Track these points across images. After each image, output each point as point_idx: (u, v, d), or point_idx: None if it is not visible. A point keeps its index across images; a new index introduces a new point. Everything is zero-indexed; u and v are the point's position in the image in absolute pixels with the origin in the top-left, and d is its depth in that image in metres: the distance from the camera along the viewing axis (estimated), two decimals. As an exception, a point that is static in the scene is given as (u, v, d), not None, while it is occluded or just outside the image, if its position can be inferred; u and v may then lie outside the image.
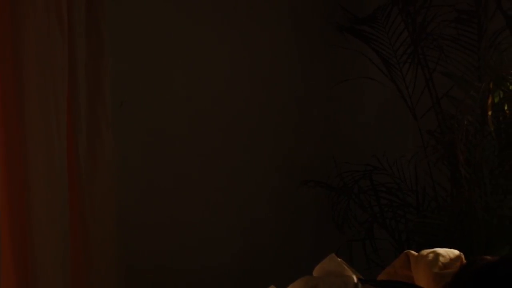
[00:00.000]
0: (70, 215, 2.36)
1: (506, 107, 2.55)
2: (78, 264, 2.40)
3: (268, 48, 3.06)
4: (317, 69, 3.19)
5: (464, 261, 1.85)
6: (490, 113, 2.46)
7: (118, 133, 2.56)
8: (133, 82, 2.73)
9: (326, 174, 3.04)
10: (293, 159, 3.11)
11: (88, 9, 2.40)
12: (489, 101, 2.43)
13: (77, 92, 2.37)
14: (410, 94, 3.09)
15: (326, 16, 3.19)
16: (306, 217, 3.14)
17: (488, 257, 1.42)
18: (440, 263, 1.79)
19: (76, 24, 2.35)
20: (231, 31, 2.96)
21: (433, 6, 2.99)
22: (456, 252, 1.89)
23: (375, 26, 3.12)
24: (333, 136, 3.23)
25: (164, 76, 2.82)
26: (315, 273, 1.57)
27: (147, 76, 2.77)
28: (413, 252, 1.90)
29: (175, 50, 2.84)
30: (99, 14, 2.42)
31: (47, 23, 2.28)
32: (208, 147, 2.90)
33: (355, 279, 1.44)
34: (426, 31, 3.01)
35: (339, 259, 1.55)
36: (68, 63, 2.34)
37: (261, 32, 3.04)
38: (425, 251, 1.86)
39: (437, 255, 1.82)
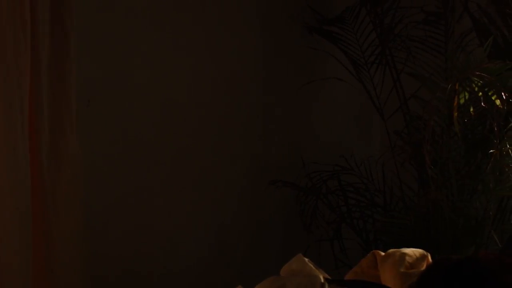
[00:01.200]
0: (33, 217, 2.33)
1: (471, 108, 2.57)
2: (41, 268, 2.37)
3: (236, 48, 3.06)
4: (285, 69, 3.20)
5: (430, 260, 1.86)
6: (456, 114, 2.47)
7: (84, 134, 2.54)
8: (100, 82, 2.71)
9: (294, 174, 3.04)
10: (261, 159, 3.11)
11: (53, 7, 2.37)
12: (456, 102, 2.44)
13: (40, 91, 2.34)
14: (378, 95, 3.11)
15: (294, 17, 3.20)
16: (274, 217, 3.14)
17: (454, 257, 1.43)
18: (406, 263, 1.80)
19: (40, 23, 2.33)
20: (198, 31, 2.95)
21: (401, 7, 3.01)
22: (423, 252, 1.90)
23: (344, 27, 3.13)
24: (301, 137, 3.24)
25: (130, 76, 2.80)
26: (282, 273, 1.57)
27: (113, 76, 2.75)
28: (380, 251, 1.90)
29: (141, 50, 2.82)
30: (64, 12, 2.39)
31: (10, 22, 2.25)
32: (175, 148, 2.89)
33: (322, 279, 1.44)
34: (394, 32, 3.03)
35: (306, 259, 1.55)
36: (32, 63, 2.31)
37: (228, 32, 3.03)
38: (391, 251, 1.86)
39: (404, 254, 1.83)
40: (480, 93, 2.46)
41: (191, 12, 2.93)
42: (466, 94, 2.53)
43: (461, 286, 1.34)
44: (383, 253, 1.88)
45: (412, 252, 1.88)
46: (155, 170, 2.84)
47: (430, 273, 1.41)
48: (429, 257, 1.89)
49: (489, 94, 2.47)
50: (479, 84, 2.46)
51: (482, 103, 2.46)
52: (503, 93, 2.41)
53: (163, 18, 2.86)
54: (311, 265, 1.51)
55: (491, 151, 2.59)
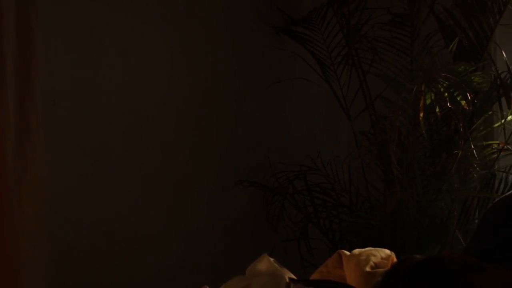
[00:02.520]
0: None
1: (437, 109, 2.59)
2: (6, 268, 2.34)
3: (203, 49, 3.05)
4: (252, 69, 3.20)
5: (395, 260, 1.87)
6: (422, 114, 2.49)
7: (50, 134, 2.52)
8: (67, 81, 2.69)
9: (261, 174, 3.05)
10: (228, 159, 3.11)
11: (18, 6, 2.35)
12: (421, 102, 2.46)
13: (5, 90, 2.32)
14: (344, 95, 3.12)
15: (262, 17, 3.20)
16: (240, 217, 3.14)
17: (418, 256, 1.44)
18: (371, 263, 1.80)
19: (5, 22, 2.30)
20: (166, 32, 2.94)
21: (367, 8, 3.02)
22: (388, 251, 1.90)
23: (311, 27, 3.14)
24: (268, 137, 3.24)
25: (98, 75, 2.78)
26: (247, 273, 1.57)
27: (80, 77, 2.73)
28: (345, 251, 1.91)
29: (110, 51, 2.80)
30: (30, 11, 2.37)
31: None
32: (142, 147, 2.87)
33: (287, 279, 1.44)
34: (361, 33, 3.04)
35: (271, 259, 1.55)
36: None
37: (196, 33, 3.03)
38: (357, 251, 1.87)
39: (369, 254, 1.83)
40: (446, 94, 2.48)
41: (158, 13, 2.91)
42: (432, 94, 2.55)
43: (425, 285, 1.34)
44: (348, 253, 1.89)
45: (377, 251, 1.89)
46: (123, 169, 2.83)
47: (394, 272, 1.42)
48: (394, 257, 1.90)
49: (455, 94, 2.49)
50: (444, 85, 2.48)
51: (448, 104, 2.47)
52: (468, 94, 2.43)
53: (132, 19, 2.85)
54: (276, 265, 1.51)
55: (456, 151, 2.61)
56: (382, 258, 1.86)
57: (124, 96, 2.83)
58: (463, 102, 2.45)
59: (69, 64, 2.69)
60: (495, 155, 2.72)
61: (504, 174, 2.80)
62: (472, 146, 2.62)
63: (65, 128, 2.69)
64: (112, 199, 2.80)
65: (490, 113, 2.75)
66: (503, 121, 2.64)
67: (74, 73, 2.71)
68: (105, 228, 2.77)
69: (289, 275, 1.50)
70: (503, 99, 2.62)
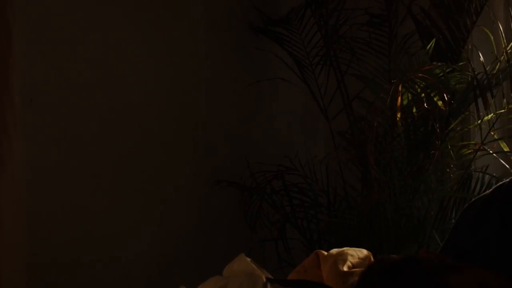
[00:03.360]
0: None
1: (414, 109, 2.60)
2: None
3: (180, 48, 3.04)
4: (230, 69, 3.20)
5: (372, 260, 1.88)
6: (399, 115, 2.50)
7: (28, 132, 2.51)
8: (45, 80, 2.68)
9: (239, 174, 3.05)
10: (206, 159, 3.11)
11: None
12: (399, 103, 2.47)
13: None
14: (322, 96, 3.12)
15: (240, 17, 3.20)
16: (218, 217, 3.14)
17: (394, 256, 1.44)
18: (349, 262, 1.81)
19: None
20: (142, 30, 2.94)
21: (345, 9, 3.03)
22: (365, 251, 1.91)
23: (289, 27, 3.14)
24: (246, 137, 3.24)
25: (77, 74, 2.77)
26: (225, 273, 1.57)
27: (58, 74, 2.72)
28: (323, 251, 1.91)
29: (89, 48, 2.79)
30: (7, 9, 2.36)
31: None
32: (119, 146, 2.87)
33: (264, 279, 1.45)
34: (339, 34, 3.05)
35: (248, 259, 1.55)
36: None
37: (173, 32, 3.02)
38: (334, 250, 1.87)
39: (346, 254, 1.84)
40: (423, 95, 2.49)
41: (134, 11, 2.90)
42: (409, 95, 2.56)
43: (401, 285, 1.35)
44: (326, 253, 1.89)
45: (355, 251, 1.89)
46: (100, 168, 2.82)
47: (370, 272, 1.42)
48: (372, 257, 1.91)
49: (432, 95, 2.50)
50: (421, 85, 2.49)
51: (425, 104, 2.49)
52: (445, 95, 2.44)
53: (108, 17, 2.84)
54: (254, 265, 1.51)
55: (433, 151, 2.62)
56: (359, 258, 1.86)
57: (102, 95, 2.82)
58: (440, 103, 2.46)
59: (47, 62, 2.68)
60: (472, 156, 2.74)
61: (481, 174, 2.82)
62: (449, 147, 2.64)
63: (43, 126, 2.67)
64: (90, 198, 2.79)
65: (466, 113, 2.77)
66: (479, 121, 2.66)
67: (51, 71, 2.70)
68: (83, 227, 2.76)
69: (266, 275, 1.50)
70: (479, 100, 2.63)
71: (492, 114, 2.65)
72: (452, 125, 2.68)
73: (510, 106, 2.67)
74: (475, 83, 2.63)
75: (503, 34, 2.66)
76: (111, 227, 2.83)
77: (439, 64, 2.55)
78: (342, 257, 1.82)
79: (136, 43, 2.92)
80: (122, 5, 2.87)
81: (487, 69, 2.64)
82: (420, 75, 2.47)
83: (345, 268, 1.77)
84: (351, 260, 1.82)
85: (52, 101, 2.70)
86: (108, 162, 2.84)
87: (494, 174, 2.81)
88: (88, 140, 2.79)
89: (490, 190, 1.54)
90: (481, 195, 1.57)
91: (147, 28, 2.94)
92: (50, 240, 2.68)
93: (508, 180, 1.50)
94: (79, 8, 2.76)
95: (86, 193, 2.78)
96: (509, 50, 2.63)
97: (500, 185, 1.51)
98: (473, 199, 1.59)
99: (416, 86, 2.50)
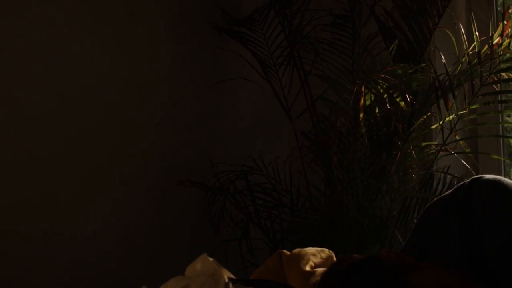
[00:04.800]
0: None
1: (377, 110, 2.61)
2: None
3: (142, 47, 3.03)
4: (194, 69, 3.19)
5: (335, 259, 1.88)
6: (362, 115, 2.51)
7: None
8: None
9: (202, 174, 3.04)
10: (169, 159, 3.10)
11: None
12: (361, 103, 2.48)
13: None
14: (285, 96, 3.13)
15: (203, 17, 3.19)
16: (182, 217, 3.13)
17: (356, 256, 1.45)
18: (311, 262, 1.82)
19: None
20: (103, 29, 2.92)
21: (309, 9, 3.04)
22: (327, 251, 1.92)
23: (253, 27, 3.14)
24: (210, 136, 3.23)
25: (31, 77, 2.74)
26: (187, 273, 1.56)
27: (7, 73, 2.69)
28: (285, 251, 1.92)
29: (43, 50, 2.77)
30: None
31: None
32: (81, 147, 2.84)
33: (226, 279, 1.44)
34: (302, 34, 3.06)
35: (210, 259, 1.55)
36: None
37: (136, 30, 3.01)
38: (297, 250, 1.88)
39: (308, 254, 1.84)
40: (385, 95, 2.50)
41: (95, 8, 2.88)
42: (372, 96, 2.57)
43: (362, 284, 1.36)
44: (288, 253, 1.90)
45: (317, 251, 1.90)
46: (60, 172, 2.79)
47: (332, 272, 1.43)
48: (334, 256, 1.92)
49: (394, 96, 2.52)
50: (384, 86, 2.50)
51: (387, 105, 2.50)
52: (407, 95, 2.46)
53: (66, 15, 2.82)
54: (216, 265, 1.51)
55: (395, 152, 2.64)
56: (321, 258, 1.87)
57: (61, 98, 2.80)
58: (402, 104, 2.48)
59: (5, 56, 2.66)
60: (434, 156, 2.76)
61: (442, 174, 2.84)
62: (411, 147, 2.65)
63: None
64: (51, 198, 2.76)
65: (428, 114, 2.79)
66: (441, 122, 2.68)
67: (5, 71, 2.67)
68: (44, 227, 2.74)
69: (228, 274, 1.50)
70: (441, 101, 2.65)
71: (453, 115, 2.67)
72: (414, 126, 2.69)
73: (471, 107, 2.69)
74: (437, 84, 2.65)
75: (464, 36, 2.68)
76: (72, 226, 2.81)
77: (402, 65, 2.57)
78: (305, 257, 1.82)
79: (95, 42, 2.90)
80: (82, 3, 2.85)
81: (448, 70, 2.66)
82: (382, 76, 2.48)
83: (308, 268, 1.78)
84: (313, 260, 1.83)
85: (3, 99, 2.67)
86: (68, 162, 2.82)
87: (456, 175, 2.84)
88: (50, 140, 2.77)
89: (451, 190, 1.55)
90: (442, 195, 1.58)
91: (106, 26, 2.92)
92: (10, 239, 2.65)
93: (468, 180, 1.51)
94: (33, 5, 2.74)
95: (47, 193, 2.76)
96: (471, 52, 2.65)
97: (461, 185, 1.52)
98: (434, 199, 1.61)
99: (379, 87, 2.51)
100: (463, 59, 2.68)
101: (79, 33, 2.85)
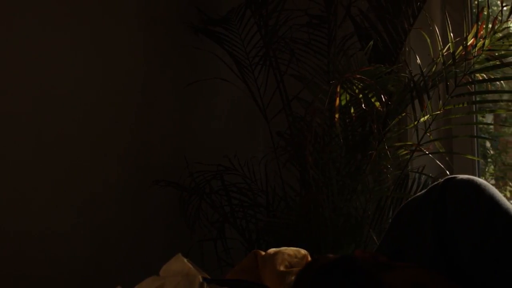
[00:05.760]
0: None
1: (352, 110, 2.62)
2: None
3: (117, 47, 3.02)
4: (169, 68, 3.18)
5: (310, 259, 1.89)
6: (337, 115, 2.51)
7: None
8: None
9: (178, 174, 3.03)
10: (144, 159, 3.09)
11: None
12: (337, 103, 2.48)
13: None
14: (261, 96, 3.13)
15: (180, 16, 3.19)
16: (157, 217, 3.12)
17: (331, 255, 1.46)
18: (286, 262, 1.82)
19: None
20: (76, 28, 2.90)
21: (285, 10, 3.04)
22: (302, 251, 1.92)
23: (229, 27, 3.14)
24: (185, 136, 3.23)
25: (6, 73, 2.73)
26: (161, 273, 1.56)
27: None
28: (261, 251, 1.92)
29: (16, 48, 2.75)
30: None
31: None
32: (54, 146, 2.83)
33: (201, 279, 1.44)
34: (278, 34, 3.06)
35: (185, 259, 1.55)
36: None
37: (110, 29, 2.99)
38: (272, 250, 1.88)
39: (284, 254, 1.85)
40: (361, 95, 2.51)
41: (69, 8, 2.87)
42: (347, 96, 2.58)
43: (336, 284, 1.36)
44: (263, 252, 1.90)
45: (292, 251, 1.90)
46: (33, 172, 2.78)
47: (306, 271, 1.43)
48: (309, 256, 1.92)
49: (369, 96, 2.53)
50: (359, 86, 2.51)
51: (363, 105, 2.50)
52: (382, 96, 2.47)
53: (38, 13, 2.80)
54: (190, 265, 1.51)
55: (371, 152, 2.65)
56: (296, 258, 1.87)
57: (37, 98, 2.78)
58: (377, 104, 2.49)
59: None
60: (408, 156, 2.77)
61: (417, 174, 2.86)
62: (386, 147, 2.66)
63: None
64: (24, 198, 2.74)
65: (403, 114, 2.80)
66: (416, 122, 2.69)
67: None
68: (17, 226, 2.72)
69: (203, 275, 1.50)
70: (416, 101, 2.67)
71: (428, 116, 2.69)
72: (389, 126, 2.70)
73: (446, 108, 2.71)
74: (412, 84, 2.66)
75: (439, 37, 2.70)
76: (45, 226, 2.79)
77: (377, 65, 2.58)
78: (280, 257, 1.82)
79: (70, 42, 2.88)
80: (57, 3, 2.84)
81: (423, 71, 2.67)
82: (358, 76, 2.48)
83: (283, 268, 1.78)
84: (288, 260, 1.83)
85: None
86: (41, 161, 2.80)
87: (430, 175, 2.85)
88: (22, 140, 2.75)
89: (425, 190, 1.56)
90: (416, 195, 1.59)
91: (81, 25, 2.91)
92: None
93: (442, 180, 1.52)
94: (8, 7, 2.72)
95: (20, 192, 2.74)
96: (445, 53, 2.67)
97: (435, 185, 1.53)
98: (408, 199, 1.61)
99: (354, 87, 2.52)
100: (438, 60, 2.69)
101: (53, 33, 2.83)
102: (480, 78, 2.66)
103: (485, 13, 2.56)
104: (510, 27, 2.59)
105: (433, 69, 2.72)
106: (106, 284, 2.27)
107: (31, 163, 2.77)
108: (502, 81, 2.92)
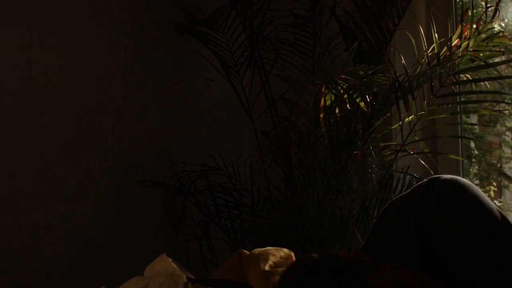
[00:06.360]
0: None
1: (337, 110, 2.62)
2: None
3: (102, 46, 3.01)
4: (154, 68, 3.18)
5: (294, 259, 1.89)
6: (322, 115, 2.52)
7: None
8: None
9: (163, 173, 3.03)
10: (129, 158, 3.08)
11: None
12: (322, 104, 2.49)
13: None
14: (246, 96, 3.13)
15: (164, 16, 3.18)
16: (142, 217, 3.12)
17: (315, 255, 1.46)
18: (270, 262, 1.82)
19: None
20: (62, 27, 2.89)
21: (270, 10, 3.04)
22: (287, 250, 1.92)
23: (214, 27, 3.14)
24: (170, 136, 3.22)
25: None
26: (146, 273, 1.56)
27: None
28: (245, 251, 1.92)
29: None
30: None
31: None
32: (38, 145, 2.82)
33: (185, 279, 1.44)
34: (263, 34, 3.06)
35: (170, 259, 1.55)
36: None
37: (95, 29, 2.99)
38: (256, 250, 1.88)
39: (268, 253, 1.85)
40: (346, 96, 2.51)
41: (51, 5, 2.85)
42: (332, 96, 2.58)
43: (320, 283, 1.36)
44: (248, 252, 1.90)
45: (277, 251, 1.90)
46: (17, 171, 2.76)
47: (291, 271, 1.44)
48: (293, 256, 1.92)
49: (354, 96, 2.53)
50: (344, 86, 2.51)
51: (348, 105, 2.51)
52: (367, 96, 2.47)
53: (22, 10, 2.79)
54: (175, 265, 1.51)
55: (355, 152, 2.65)
56: (281, 257, 1.88)
57: (16, 95, 2.77)
58: (362, 104, 2.49)
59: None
60: (393, 156, 2.78)
61: (402, 174, 2.86)
62: (371, 147, 2.67)
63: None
64: (7, 196, 2.73)
65: (388, 115, 2.81)
66: (400, 123, 2.70)
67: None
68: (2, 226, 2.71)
69: (187, 275, 1.50)
70: (401, 102, 2.67)
71: (413, 116, 2.69)
72: (374, 126, 2.71)
73: (430, 108, 2.72)
74: (396, 85, 2.67)
75: (424, 38, 2.70)
76: (29, 227, 2.78)
77: (362, 65, 2.58)
78: (264, 257, 1.83)
79: (53, 40, 2.87)
80: (36, 3, 2.83)
81: (408, 71, 2.68)
82: (343, 76, 2.49)
83: (267, 268, 1.78)
84: (272, 260, 1.83)
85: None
86: (25, 160, 2.79)
87: (415, 175, 2.86)
88: (4, 140, 2.74)
89: (409, 190, 1.56)
90: (400, 195, 1.59)
91: (63, 24, 2.90)
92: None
93: (426, 180, 1.53)
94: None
95: (3, 192, 2.73)
96: (430, 53, 2.67)
97: (419, 185, 1.53)
98: (392, 199, 1.62)
99: (339, 87, 2.52)
100: (423, 60, 2.70)
101: (35, 30, 2.82)
102: (465, 78, 2.66)
103: (470, 14, 2.57)
104: (494, 28, 2.60)
105: (418, 69, 2.73)
106: (90, 284, 2.26)
107: (13, 161, 2.75)
108: (486, 82, 2.93)
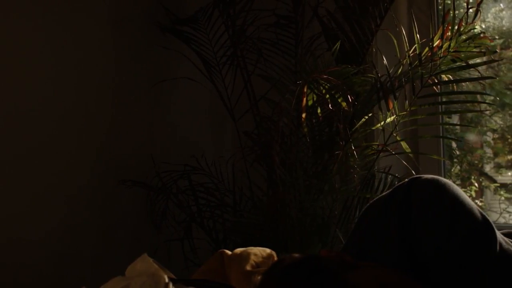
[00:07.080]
0: None
1: (319, 110, 2.63)
2: None
3: (84, 45, 2.99)
4: (136, 68, 3.17)
5: (276, 259, 1.89)
6: (304, 115, 2.52)
7: None
8: None
9: (145, 173, 3.02)
10: (110, 158, 3.07)
11: None
12: (304, 104, 2.49)
13: None
14: (229, 96, 3.13)
15: (147, 16, 3.18)
16: (123, 217, 3.11)
17: (296, 255, 1.46)
18: (252, 262, 1.82)
19: None
20: (44, 26, 2.88)
21: (253, 10, 3.05)
22: (268, 250, 1.93)
23: (196, 27, 3.14)
24: (152, 136, 3.22)
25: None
26: (127, 273, 1.55)
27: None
28: (227, 251, 1.92)
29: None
30: None
31: None
32: (18, 145, 2.80)
33: (166, 279, 1.44)
34: (246, 34, 3.06)
35: (151, 259, 1.55)
36: None
37: (77, 29, 2.97)
38: (238, 250, 1.89)
39: (250, 253, 1.85)
40: (328, 96, 2.52)
41: (36, 8, 2.84)
42: (314, 96, 2.58)
43: (301, 283, 1.36)
44: (230, 252, 1.90)
45: (258, 251, 1.91)
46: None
47: (272, 271, 1.44)
48: (275, 256, 1.93)
49: (336, 96, 2.53)
50: (326, 86, 2.52)
51: (330, 106, 2.51)
52: (349, 96, 2.48)
53: (7, 12, 2.77)
54: (156, 265, 1.50)
55: (337, 152, 2.66)
56: (262, 257, 1.88)
57: (3, 93, 2.75)
58: (344, 104, 2.50)
59: None
60: (375, 156, 2.78)
61: (383, 174, 2.87)
62: (353, 147, 2.67)
63: None
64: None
65: (370, 115, 2.81)
66: (382, 123, 2.71)
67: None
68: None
69: (169, 274, 1.50)
70: (382, 102, 2.68)
71: (394, 116, 2.70)
72: (356, 126, 2.72)
73: (412, 108, 2.73)
74: (378, 85, 2.68)
75: (405, 38, 2.71)
76: (9, 227, 2.77)
77: (344, 66, 2.59)
78: (246, 257, 1.83)
79: (36, 38, 2.85)
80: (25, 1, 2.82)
81: (390, 71, 2.69)
82: (325, 76, 2.49)
83: (249, 267, 1.78)
84: (254, 259, 1.84)
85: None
86: (6, 160, 2.77)
87: (396, 175, 2.87)
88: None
89: (390, 190, 1.57)
90: (381, 195, 1.60)
91: (46, 22, 2.88)
92: None
93: (407, 180, 1.53)
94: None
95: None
96: (412, 54, 2.68)
97: (400, 185, 1.54)
98: (374, 199, 1.62)
99: (321, 87, 2.52)
100: (404, 61, 2.71)
101: (17, 29, 2.80)
102: (446, 79, 2.68)
103: (451, 15, 2.58)
104: (475, 29, 2.62)
105: (400, 70, 2.74)
106: (71, 285, 2.26)
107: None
108: (467, 82, 2.95)
